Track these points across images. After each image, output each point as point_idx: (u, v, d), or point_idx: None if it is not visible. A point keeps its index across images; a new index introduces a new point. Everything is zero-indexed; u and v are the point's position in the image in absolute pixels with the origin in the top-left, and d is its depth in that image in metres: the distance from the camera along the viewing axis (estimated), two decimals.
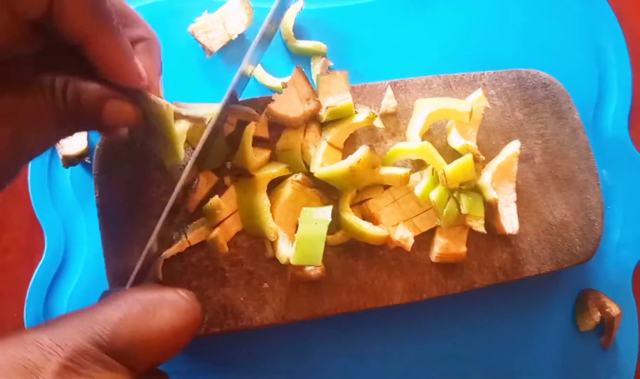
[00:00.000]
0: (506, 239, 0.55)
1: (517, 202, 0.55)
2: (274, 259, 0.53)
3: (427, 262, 0.54)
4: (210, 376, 0.58)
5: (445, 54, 0.65)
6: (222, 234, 0.52)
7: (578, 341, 0.61)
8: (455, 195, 0.52)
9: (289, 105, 0.53)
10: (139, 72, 0.43)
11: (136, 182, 0.55)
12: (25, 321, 0.58)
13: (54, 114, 0.40)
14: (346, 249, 0.54)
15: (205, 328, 0.52)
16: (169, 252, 0.53)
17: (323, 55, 0.62)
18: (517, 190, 0.55)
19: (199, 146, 0.47)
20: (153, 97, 0.44)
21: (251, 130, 0.52)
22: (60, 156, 0.58)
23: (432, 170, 0.52)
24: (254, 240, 0.54)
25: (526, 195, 0.56)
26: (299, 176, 0.52)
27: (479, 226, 0.51)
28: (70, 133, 0.44)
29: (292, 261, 0.49)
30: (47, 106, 0.40)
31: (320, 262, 0.48)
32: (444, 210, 0.50)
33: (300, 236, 0.48)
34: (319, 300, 0.53)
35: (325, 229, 0.48)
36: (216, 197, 0.51)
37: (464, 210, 0.51)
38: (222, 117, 0.49)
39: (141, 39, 0.46)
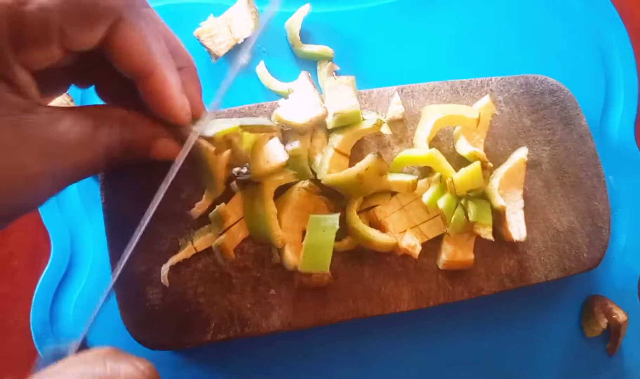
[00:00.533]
0: (513, 246, 0.55)
1: (525, 208, 0.55)
2: (281, 266, 0.53)
3: (434, 269, 0.54)
4: None
5: (452, 59, 0.65)
6: (228, 241, 0.52)
7: (584, 348, 0.60)
8: (462, 202, 0.51)
9: (296, 111, 0.53)
10: (187, 109, 0.45)
11: (143, 188, 0.54)
12: (31, 326, 0.58)
13: (105, 156, 0.42)
14: (353, 256, 0.54)
15: (212, 334, 0.52)
16: (175, 258, 0.53)
17: (330, 59, 0.62)
18: (525, 197, 0.55)
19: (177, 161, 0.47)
20: (198, 140, 0.46)
21: (264, 140, 0.51)
22: None
23: (440, 177, 0.52)
24: (260, 246, 0.53)
25: (533, 202, 0.56)
26: (306, 183, 0.52)
27: (486, 233, 0.51)
28: (121, 164, 0.46)
29: (300, 268, 0.49)
30: (100, 149, 0.42)
31: (327, 269, 0.48)
32: (452, 218, 0.50)
33: (307, 243, 0.48)
34: (326, 307, 0.53)
35: (332, 237, 0.48)
36: (222, 204, 0.51)
37: (471, 217, 0.50)
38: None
39: (183, 67, 0.47)
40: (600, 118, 0.65)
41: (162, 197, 0.53)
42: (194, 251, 0.53)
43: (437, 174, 0.52)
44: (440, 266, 0.53)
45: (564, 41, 0.66)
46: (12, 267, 0.61)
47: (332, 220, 0.49)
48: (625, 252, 0.62)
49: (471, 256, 0.53)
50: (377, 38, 0.65)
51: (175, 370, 0.58)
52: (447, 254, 0.52)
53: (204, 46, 0.61)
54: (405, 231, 0.53)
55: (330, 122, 0.53)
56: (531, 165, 0.56)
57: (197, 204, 0.53)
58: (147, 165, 0.54)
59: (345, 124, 0.53)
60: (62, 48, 0.38)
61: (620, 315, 0.58)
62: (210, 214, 0.51)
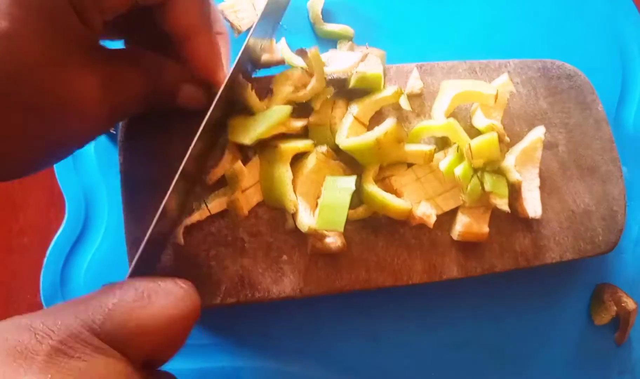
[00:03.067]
0: (528, 224, 0.55)
1: (540, 188, 0.55)
2: (294, 232, 0.53)
3: (448, 242, 0.54)
4: (221, 349, 0.57)
5: (471, 42, 0.66)
6: (242, 199, 0.52)
7: (592, 335, 0.60)
8: (479, 175, 0.52)
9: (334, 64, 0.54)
10: (224, 72, 0.49)
11: (161, 151, 0.55)
12: (41, 287, 0.58)
13: (144, 88, 0.45)
14: (366, 225, 0.53)
15: (222, 297, 0.52)
16: (189, 220, 0.53)
17: (350, 39, 0.63)
18: (541, 177, 0.55)
19: (206, 116, 0.48)
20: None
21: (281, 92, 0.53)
22: None
23: (457, 147, 0.52)
24: (274, 211, 0.53)
25: (549, 182, 0.56)
26: (324, 148, 0.52)
27: (502, 204, 0.51)
28: (149, 108, 0.48)
29: (315, 226, 0.48)
30: (141, 80, 0.45)
31: (342, 229, 0.47)
32: (469, 186, 0.50)
33: (323, 203, 0.48)
34: (338, 275, 0.53)
35: (348, 198, 0.48)
36: (239, 162, 0.51)
37: (487, 187, 0.50)
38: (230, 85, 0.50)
39: (220, 33, 0.50)
40: (616, 109, 0.65)
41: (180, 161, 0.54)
42: (207, 214, 0.53)
43: (454, 145, 0.52)
44: (455, 237, 0.53)
45: (583, 31, 0.67)
46: (22, 245, 0.61)
47: (348, 181, 0.49)
48: (637, 244, 0.62)
49: (486, 229, 0.52)
50: (398, 19, 0.66)
51: None
52: (463, 225, 0.52)
53: (228, 20, 0.62)
54: (420, 202, 0.53)
55: (352, 81, 0.53)
56: (547, 146, 0.57)
57: (212, 171, 0.54)
58: (165, 128, 0.55)
59: (366, 86, 0.53)
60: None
61: (630, 303, 0.58)
62: (226, 173, 0.51)
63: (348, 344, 0.57)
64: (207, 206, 0.53)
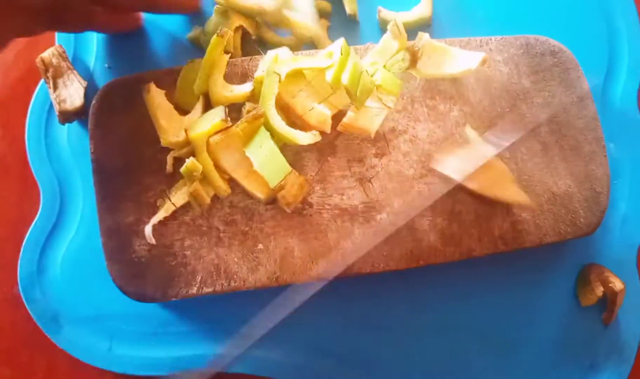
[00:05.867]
0: (508, 208, 0.53)
1: (521, 171, 0.54)
2: (270, 220, 0.52)
3: (426, 228, 0.53)
4: (200, 337, 0.57)
5: (451, 18, 0.63)
6: (202, 189, 0.51)
7: (579, 317, 0.59)
8: (368, 70, 0.51)
9: None
10: None
11: (132, 138, 0.54)
12: (19, 277, 0.57)
13: None
14: (343, 213, 0.53)
15: (198, 287, 0.51)
16: (156, 218, 0.52)
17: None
18: (521, 159, 0.54)
19: None
20: None
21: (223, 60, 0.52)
22: (57, 112, 0.58)
23: (341, 49, 0.50)
24: (249, 200, 0.53)
25: (530, 164, 0.55)
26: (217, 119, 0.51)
27: (389, 100, 0.51)
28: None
29: (271, 185, 0.49)
30: None
31: (289, 169, 0.49)
32: (358, 90, 0.50)
33: (259, 166, 0.48)
34: (314, 263, 0.52)
35: (271, 143, 0.49)
36: (192, 158, 0.50)
37: (378, 81, 0.51)
38: None
39: None
40: (603, 85, 0.63)
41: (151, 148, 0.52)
42: (173, 208, 0.52)
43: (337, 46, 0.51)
44: (338, 128, 0.52)
45: (568, 4, 0.64)
46: None
47: (260, 137, 0.49)
48: (624, 222, 0.61)
49: (374, 128, 0.52)
50: None
51: (161, 325, 0.57)
52: (349, 118, 0.51)
53: None
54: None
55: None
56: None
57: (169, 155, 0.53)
58: (134, 115, 0.54)
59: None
60: None
61: (617, 284, 0.57)
62: (181, 170, 0.50)
63: (327, 330, 0.57)
64: (170, 201, 0.52)
